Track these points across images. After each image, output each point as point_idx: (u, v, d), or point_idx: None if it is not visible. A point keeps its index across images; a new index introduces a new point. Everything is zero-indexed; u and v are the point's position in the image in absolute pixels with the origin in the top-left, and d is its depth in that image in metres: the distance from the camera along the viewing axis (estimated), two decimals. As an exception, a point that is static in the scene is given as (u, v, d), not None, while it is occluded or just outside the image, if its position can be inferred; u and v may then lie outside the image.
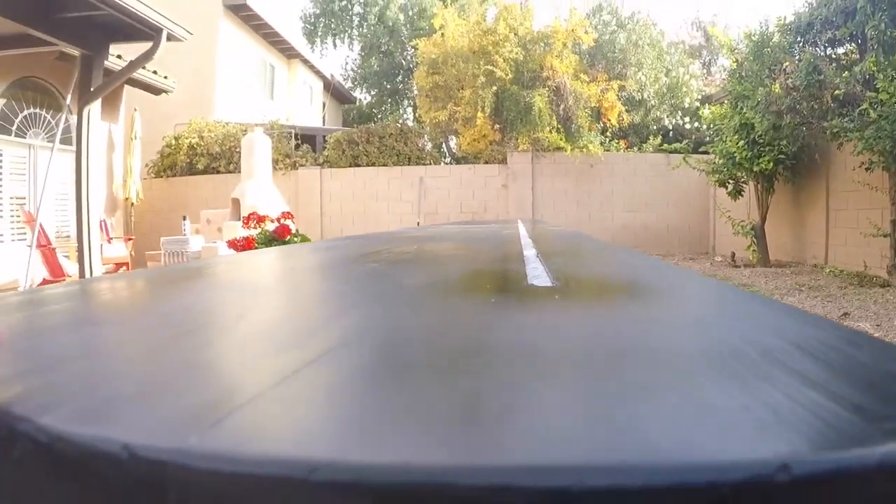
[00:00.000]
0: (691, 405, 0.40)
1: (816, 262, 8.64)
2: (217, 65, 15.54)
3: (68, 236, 8.98)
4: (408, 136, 13.31)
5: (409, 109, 22.93)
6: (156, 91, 10.53)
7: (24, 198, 8.67)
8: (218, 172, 13.03)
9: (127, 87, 10.17)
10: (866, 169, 6.71)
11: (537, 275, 1.18)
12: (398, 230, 4.90)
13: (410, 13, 22.26)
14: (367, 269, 1.47)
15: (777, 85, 7.78)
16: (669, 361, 0.54)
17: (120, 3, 6.10)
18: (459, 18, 13.77)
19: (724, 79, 12.67)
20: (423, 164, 13.08)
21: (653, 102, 14.90)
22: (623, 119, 13.37)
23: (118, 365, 0.56)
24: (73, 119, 7.38)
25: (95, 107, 7.00)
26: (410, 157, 13.11)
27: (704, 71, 18.60)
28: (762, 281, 7.68)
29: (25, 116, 8.62)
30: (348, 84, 24.24)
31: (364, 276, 1.31)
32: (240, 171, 10.48)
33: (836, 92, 6.84)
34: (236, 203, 9.63)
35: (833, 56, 7.99)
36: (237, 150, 11.93)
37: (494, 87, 12.38)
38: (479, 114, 12.21)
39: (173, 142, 13.29)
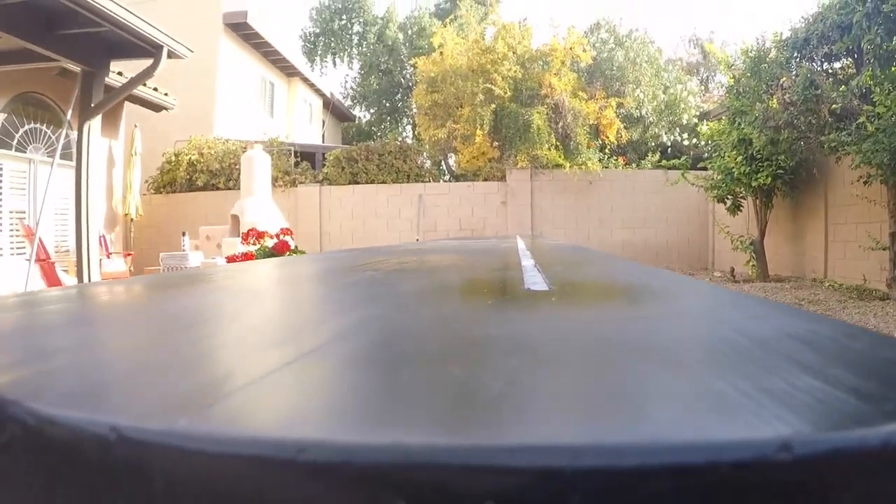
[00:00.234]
0: (688, 390, 0.40)
1: (816, 277, 8.63)
2: (217, 82, 15.63)
3: (67, 251, 8.97)
4: (407, 153, 13.35)
5: (409, 127, 23.04)
6: (156, 108, 10.59)
7: (24, 212, 8.68)
8: (217, 189, 13.05)
9: (127, 104, 10.22)
10: (864, 182, 6.73)
11: (534, 281, 1.18)
12: (397, 244, 4.91)
13: (409, 32, 22.46)
14: (366, 276, 1.47)
15: (774, 100, 7.82)
16: (666, 353, 0.54)
17: (121, 19, 6.15)
18: (458, 37, 13.88)
19: (721, 95, 12.78)
20: (423, 182, 13.11)
21: (651, 119, 14.98)
22: (621, 136, 13.44)
23: (110, 356, 0.57)
24: (74, 134, 7.41)
25: (96, 123, 7.03)
26: (409, 174, 13.14)
27: (702, 87, 18.74)
28: (761, 296, 7.67)
29: (26, 131, 8.65)
30: (348, 102, 24.38)
31: (362, 283, 1.32)
32: (239, 188, 10.51)
33: (834, 106, 6.88)
34: (235, 219, 9.65)
35: (830, 71, 8.05)
36: (237, 166, 11.97)
37: (493, 105, 12.45)
38: (478, 131, 12.26)
39: (173, 158, 13.33)
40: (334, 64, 23.70)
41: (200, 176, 13.09)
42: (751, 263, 9.35)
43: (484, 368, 0.47)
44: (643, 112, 14.72)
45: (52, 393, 0.39)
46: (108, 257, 9.38)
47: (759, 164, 8.63)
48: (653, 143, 15.04)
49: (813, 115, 7.24)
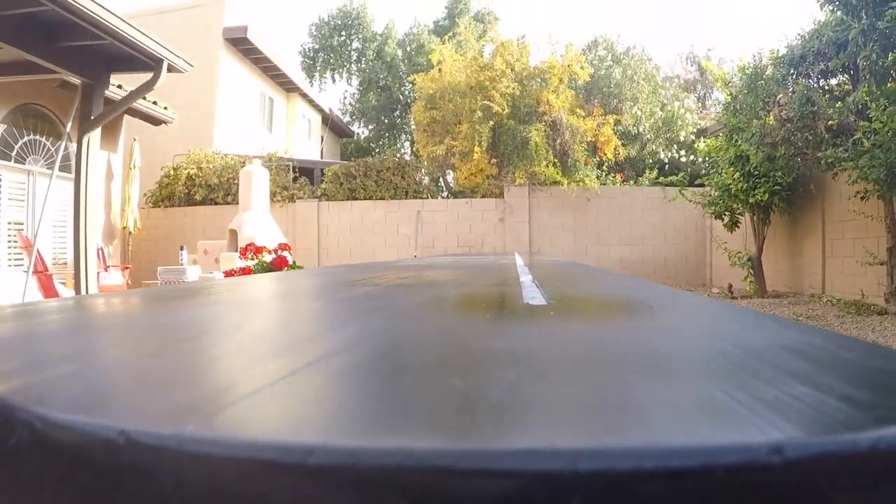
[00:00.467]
0: (683, 398, 0.41)
1: (814, 292, 8.64)
2: (217, 97, 15.69)
3: (65, 263, 8.96)
4: (405, 170, 13.38)
5: (407, 144, 23.13)
6: (155, 121, 10.62)
7: (23, 223, 8.67)
8: (216, 203, 13.06)
9: (127, 117, 10.26)
10: (861, 198, 6.75)
11: (533, 296, 1.20)
12: (396, 260, 4.92)
13: (408, 49, 22.61)
14: (366, 290, 1.48)
15: (771, 117, 7.87)
16: (662, 364, 0.55)
17: (122, 33, 6.18)
18: (457, 54, 13.97)
19: (718, 112, 12.84)
20: (421, 198, 13.14)
21: (648, 136, 15.06)
22: (619, 153, 13.50)
23: (116, 364, 0.57)
24: (73, 147, 7.42)
25: (95, 135, 7.05)
26: (408, 190, 13.17)
27: (699, 104, 18.85)
28: (760, 312, 7.66)
29: (25, 143, 8.66)
30: (346, 118, 24.48)
31: (362, 297, 1.33)
32: (237, 203, 10.51)
33: (830, 122, 6.92)
34: (233, 234, 9.64)
35: (826, 87, 8.11)
36: (235, 181, 11.98)
37: (491, 122, 12.50)
38: (477, 148, 12.30)
39: (172, 172, 13.35)
40: (333, 80, 23.84)
41: (199, 190, 13.10)
42: (748, 279, 9.36)
43: (484, 378, 0.48)
44: (641, 129, 14.80)
45: (60, 398, 0.40)
46: (106, 270, 9.36)
47: (757, 180, 8.66)
48: (650, 160, 15.12)
49: (809, 131, 7.27)
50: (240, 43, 16.28)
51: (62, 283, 7.92)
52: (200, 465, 0.29)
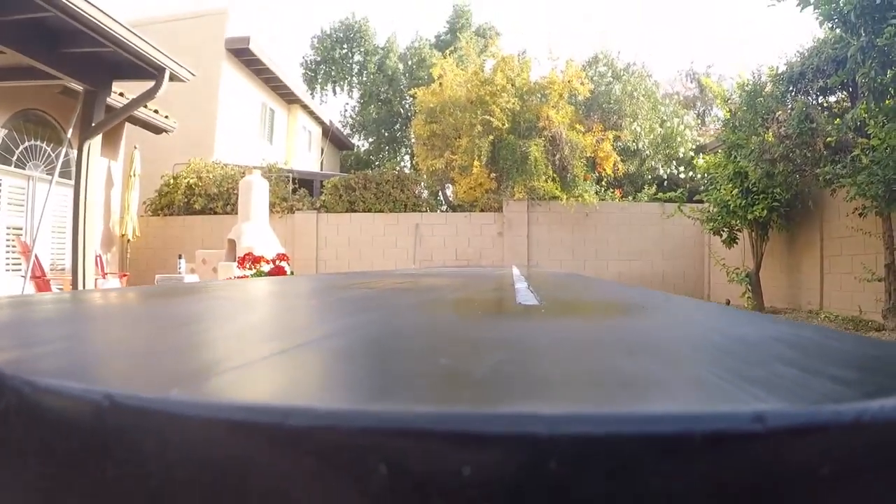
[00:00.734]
0: (667, 374, 0.42)
1: (812, 308, 8.63)
2: (218, 107, 15.74)
3: (63, 269, 8.95)
4: (405, 183, 13.40)
5: (407, 157, 23.19)
6: (156, 130, 10.65)
7: (21, 228, 8.67)
8: (215, 213, 13.06)
9: (128, 125, 10.29)
10: (860, 214, 6.77)
11: (527, 298, 1.21)
12: (394, 269, 4.93)
13: (410, 63, 22.73)
14: (362, 292, 1.49)
15: (770, 133, 7.89)
16: (649, 347, 0.56)
17: (125, 41, 6.21)
18: (458, 69, 14.04)
19: (717, 128, 12.89)
20: (420, 212, 13.15)
21: (648, 152, 15.10)
22: (618, 169, 13.53)
23: (109, 342, 0.59)
24: (74, 153, 7.44)
25: (96, 142, 7.06)
26: (407, 203, 13.18)
27: (699, 121, 18.93)
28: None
29: (26, 148, 8.68)
30: (347, 131, 24.56)
31: (358, 297, 1.34)
32: (237, 213, 10.51)
33: (829, 139, 6.94)
34: (232, 244, 9.64)
35: (825, 104, 8.14)
36: (235, 191, 11.99)
37: (491, 137, 12.53)
38: (476, 162, 12.32)
39: (172, 181, 13.36)
40: (334, 92, 23.96)
41: (198, 199, 13.11)
42: (746, 296, 9.35)
43: (470, 359, 0.48)
44: (640, 145, 14.85)
45: (49, 368, 0.40)
46: (104, 277, 9.36)
47: (755, 196, 8.67)
48: (649, 176, 15.15)
49: (808, 148, 7.30)
50: (242, 54, 16.36)
51: (60, 289, 7.91)
52: (182, 427, 0.29)
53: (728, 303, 9.95)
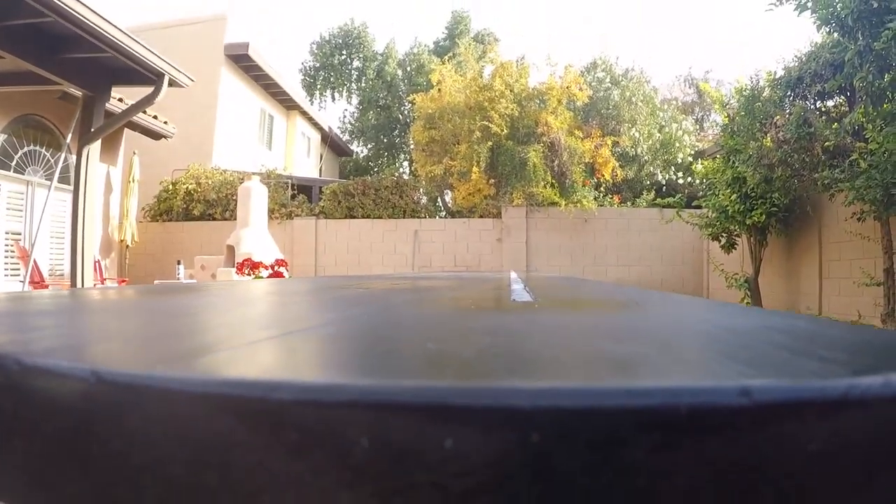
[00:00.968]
0: (656, 354, 0.42)
1: (811, 313, 8.63)
2: (217, 112, 15.77)
3: (62, 274, 8.95)
4: (403, 189, 13.41)
5: (406, 163, 23.23)
6: (155, 136, 10.66)
7: (20, 233, 8.67)
8: (214, 219, 13.07)
9: (127, 131, 10.30)
10: (858, 219, 6.76)
11: (521, 296, 1.23)
12: (391, 273, 4.95)
13: (408, 69, 22.78)
14: (359, 291, 1.49)
15: (768, 139, 7.90)
16: (639, 335, 0.56)
17: (124, 46, 6.23)
18: (456, 74, 14.06)
19: (716, 134, 12.91)
20: (418, 218, 13.16)
21: (646, 158, 15.12)
22: (617, 174, 13.55)
23: (101, 327, 0.60)
24: (73, 159, 7.44)
25: (95, 148, 7.07)
26: (406, 210, 13.19)
27: (697, 126, 18.96)
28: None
29: (25, 153, 8.68)
30: (346, 137, 24.60)
31: (355, 295, 1.34)
32: (235, 219, 10.51)
33: (827, 144, 6.94)
34: (231, 250, 9.64)
35: (823, 109, 8.15)
36: (234, 197, 12.00)
37: (490, 143, 12.54)
38: (475, 168, 12.33)
39: (170, 187, 13.38)
40: (333, 98, 24.00)
41: (197, 205, 13.12)
42: (745, 301, 9.35)
43: (458, 343, 0.48)
44: (638, 151, 14.87)
45: (38, 348, 0.41)
46: (103, 283, 9.36)
47: (754, 201, 8.67)
48: (648, 182, 15.17)
49: (806, 152, 7.30)
50: (241, 60, 16.40)
51: (57, 295, 7.90)
52: (167, 402, 0.29)
53: (727, 308, 9.94)
